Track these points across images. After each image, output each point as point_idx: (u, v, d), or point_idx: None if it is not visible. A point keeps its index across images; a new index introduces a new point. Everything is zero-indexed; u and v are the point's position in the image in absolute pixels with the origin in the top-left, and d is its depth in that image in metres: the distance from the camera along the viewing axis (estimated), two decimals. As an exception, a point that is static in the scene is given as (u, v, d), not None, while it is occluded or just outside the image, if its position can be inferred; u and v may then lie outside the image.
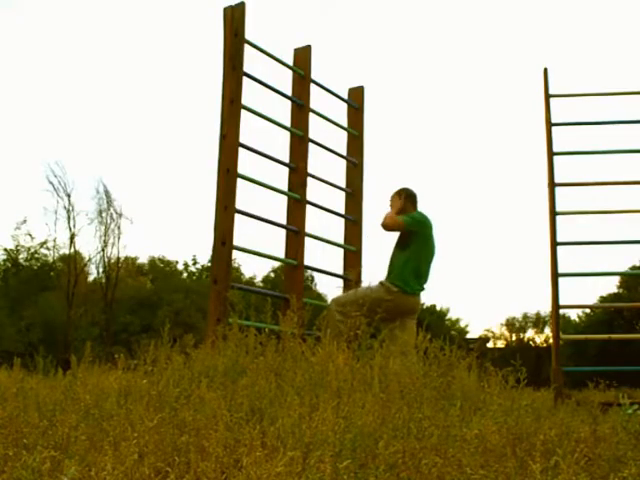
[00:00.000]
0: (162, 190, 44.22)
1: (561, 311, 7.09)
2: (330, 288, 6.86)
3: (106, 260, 29.85)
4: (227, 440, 2.38)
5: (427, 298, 36.46)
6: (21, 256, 29.04)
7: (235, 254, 5.30)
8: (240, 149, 5.28)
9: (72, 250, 28.89)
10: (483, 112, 49.92)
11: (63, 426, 2.62)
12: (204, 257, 33.71)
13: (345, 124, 6.82)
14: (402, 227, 5.61)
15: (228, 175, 5.16)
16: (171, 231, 45.21)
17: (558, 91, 7.25)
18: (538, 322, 37.17)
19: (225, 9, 5.43)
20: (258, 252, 5.49)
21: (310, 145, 6.04)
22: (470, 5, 48.07)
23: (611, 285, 31.37)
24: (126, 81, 43.82)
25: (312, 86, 6.19)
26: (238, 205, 5.18)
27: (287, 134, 6.01)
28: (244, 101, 5.37)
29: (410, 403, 3.15)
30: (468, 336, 36.33)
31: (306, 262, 5.87)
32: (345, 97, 6.87)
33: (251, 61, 5.51)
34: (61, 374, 4.32)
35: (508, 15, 48.03)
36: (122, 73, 43.19)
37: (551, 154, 7.07)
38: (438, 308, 36.70)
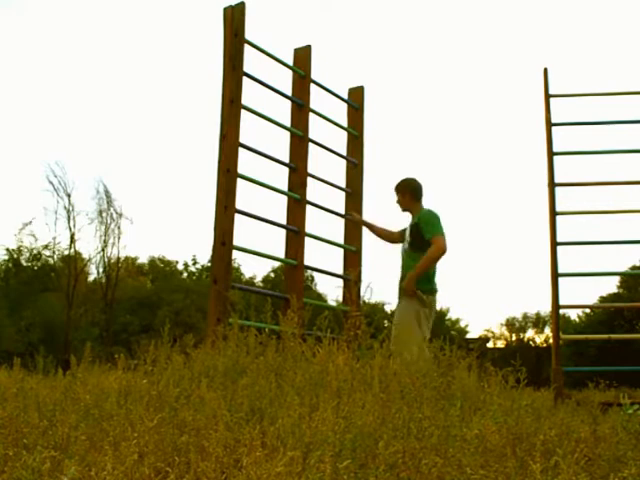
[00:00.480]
0: (162, 190, 44.27)
1: (561, 311, 7.09)
2: (330, 288, 6.86)
3: (106, 260, 29.88)
4: (227, 440, 2.38)
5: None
6: (23, 257, 29.04)
7: (235, 254, 5.30)
8: (240, 149, 5.28)
9: (72, 250, 28.91)
10: (483, 112, 49.94)
11: (63, 426, 2.62)
12: (204, 257, 33.74)
13: (345, 124, 6.82)
14: (444, 245, 5.46)
15: (228, 175, 5.16)
16: (171, 231, 45.26)
17: (558, 91, 7.25)
18: (538, 322, 37.18)
19: (225, 9, 5.43)
20: (258, 252, 5.49)
21: (310, 145, 6.04)
22: (470, 5, 48.08)
23: (611, 285, 31.41)
24: (126, 81, 43.86)
25: (312, 86, 6.19)
26: (238, 205, 5.18)
27: (287, 134, 6.02)
28: (244, 101, 5.37)
29: (410, 403, 3.15)
30: (468, 336, 36.35)
31: (306, 262, 5.87)
32: (345, 97, 6.87)
33: (251, 61, 5.52)
34: (61, 374, 4.32)
35: (508, 15, 48.05)
36: (122, 73, 43.23)
37: (551, 154, 7.06)
38: (438, 308, 36.70)
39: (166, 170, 46.06)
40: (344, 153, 6.74)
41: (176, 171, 47.14)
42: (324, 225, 6.43)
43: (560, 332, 6.85)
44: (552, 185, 7.00)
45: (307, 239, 5.91)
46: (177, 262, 35.19)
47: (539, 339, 36.05)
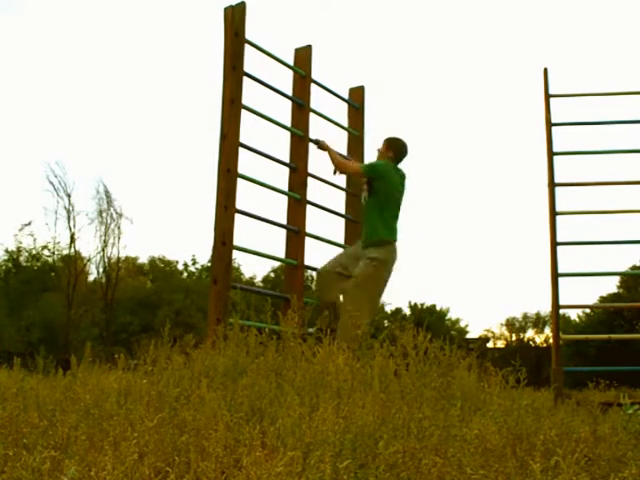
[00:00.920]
0: (162, 190, 44.27)
1: (561, 311, 7.08)
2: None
3: (106, 260, 29.88)
4: (227, 440, 2.38)
5: (427, 298, 36.49)
6: (22, 257, 29.03)
7: (235, 254, 5.30)
8: (240, 149, 5.28)
9: (72, 250, 28.91)
10: (483, 112, 49.94)
11: (63, 426, 2.62)
12: (204, 257, 33.74)
13: (345, 124, 6.81)
14: (359, 173, 5.75)
15: (228, 175, 5.16)
16: (171, 231, 45.26)
17: (558, 91, 7.25)
18: (538, 322, 37.20)
19: (226, 9, 5.43)
20: (258, 252, 5.49)
21: (310, 145, 6.04)
22: (470, 5, 48.09)
23: (611, 285, 31.42)
24: (126, 81, 43.86)
25: (313, 86, 6.19)
26: (238, 205, 5.18)
27: (288, 134, 6.01)
28: (244, 101, 5.37)
29: (410, 403, 3.15)
30: (468, 336, 36.36)
31: (306, 262, 5.87)
32: (346, 97, 6.87)
33: (252, 61, 5.52)
34: (61, 374, 4.32)
35: (508, 15, 48.05)
36: (122, 73, 43.23)
37: (551, 154, 7.06)
38: (438, 308, 36.71)
39: (166, 170, 46.08)
40: (344, 153, 6.74)
41: (176, 171, 47.17)
42: (324, 225, 6.42)
43: (560, 332, 6.85)
44: (552, 185, 7.00)
45: (307, 239, 5.91)
46: (177, 262, 35.19)
47: (539, 339, 36.08)
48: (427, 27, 48.07)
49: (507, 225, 48.49)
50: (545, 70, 7.20)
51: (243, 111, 5.35)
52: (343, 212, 6.60)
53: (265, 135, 5.99)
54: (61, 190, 28.94)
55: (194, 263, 34.41)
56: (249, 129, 5.45)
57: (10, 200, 39.79)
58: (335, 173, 5.97)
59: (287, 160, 5.95)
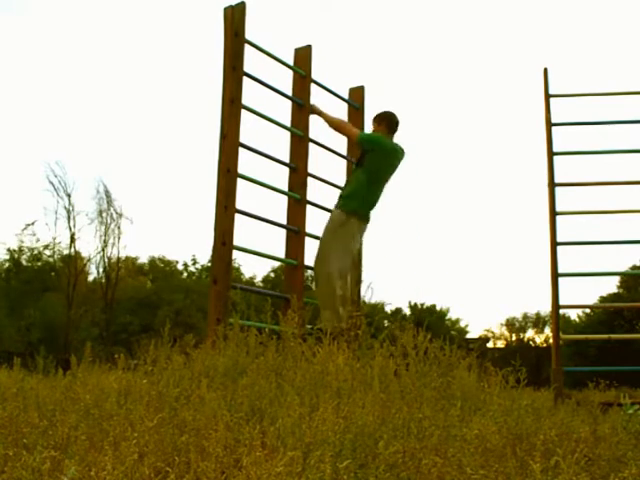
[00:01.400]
0: (162, 190, 44.25)
1: (561, 311, 7.08)
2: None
3: (106, 260, 29.86)
4: (227, 440, 2.38)
5: (427, 298, 36.50)
6: (23, 257, 29.03)
7: (235, 254, 5.30)
8: (240, 149, 5.28)
9: (72, 250, 28.90)
10: (483, 112, 49.94)
11: (63, 426, 2.62)
12: (204, 257, 33.73)
13: (345, 124, 6.80)
14: (355, 139, 5.79)
15: (228, 175, 5.16)
16: (171, 231, 45.24)
17: (558, 91, 7.25)
18: (538, 322, 37.19)
19: (225, 9, 5.42)
20: (258, 252, 5.49)
21: (310, 145, 6.04)
22: (470, 5, 48.09)
23: (611, 285, 31.42)
24: (126, 81, 43.85)
25: (313, 86, 6.19)
26: (238, 205, 5.18)
27: (287, 134, 6.01)
28: (244, 101, 5.36)
29: (410, 403, 3.15)
30: (468, 336, 36.36)
31: (306, 262, 5.87)
32: (346, 97, 6.87)
33: (251, 61, 5.51)
34: (61, 374, 4.32)
35: (508, 15, 48.06)
36: (123, 73, 43.22)
37: (551, 154, 7.06)
38: (438, 308, 36.72)
39: (166, 170, 46.07)
40: (344, 153, 6.74)
41: (176, 171, 47.15)
42: (324, 225, 6.41)
43: (560, 332, 6.85)
44: (552, 185, 7.00)
45: (307, 239, 5.91)
46: (177, 262, 35.18)
47: (539, 339, 36.07)
48: (427, 27, 48.09)
49: (507, 225, 48.51)
50: (545, 70, 7.20)
51: (243, 111, 5.35)
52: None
53: (265, 135, 5.99)
54: (61, 190, 28.94)
55: (194, 263, 34.42)
56: (249, 129, 5.46)
57: (10, 200, 39.80)
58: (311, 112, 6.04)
59: (287, 160, 5.95)
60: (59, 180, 28.93)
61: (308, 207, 5.93)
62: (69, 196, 28.90)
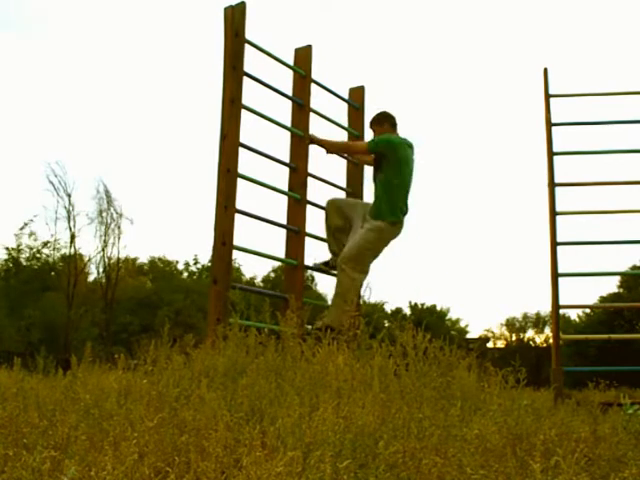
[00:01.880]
0: (162, 190, 44.27)
1: (561, 311, 7.08)
2: (330, 288, 6.87)
3: (106, 260, 29.86)
4: (227, 440, 2.38)
5: (427, 298, 36.48)
6: (23, 256, 29.01)
7: (235, 254, 5.30)
8: (240, 149, 5.28)
9: (72, 250, 28.89)
10: (483, 112, 49.95)
11: (63, 426, 2.62)
12: (205, 257, 33.74)
13: (346, 124, 6.81)
14: (366, 149, 5.88)
15: (228, 175, 5.16)
16: (171, 231, 45.25)
17: (558, 91, 7.25)
18: (538, 322, 37.18)
19: (226, 9, 5.42)
20: (258, 252, 5.48)
21: (311, 145, 6.04)
22: (470, 5, 48.08)
23: (611, 285, 31.41)
24: (127, 81, 43.86)
25: (313, 86, 6.18)
26: (238, 205, 5.18)
27: (288, 134, 6.01)
28: (245, 101, 5.36)
29: (410, 403, 3.15)
30: (468, 336, 36.36)
31: (306, 262, 5.87)
32: (346, 97, 6.87)
33: (252, 61, 5.51)
34: (61, 374, 4.32)
35: (508, 15, 48.05)
36: (123, 73, 43.23)
37: (551, 154, 7.06)
38: (438, 308, 36.72)
39: (166, 170, 46.08)
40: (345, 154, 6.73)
41: (176, 171, 47.16)
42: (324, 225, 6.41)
43: (560, 332, 6.85)
44: (552, 185, 7.00)
45: (307, 239, 5.91)
46: (177, 262, 35.19)
47: (539, 339, 36.06)
48: (427, 27, 48.10)
49: (507, 225, 48.51)
50: (545, 70, 7.20)
51: (243, 111, 5.35)
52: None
53: (265, 135, 5.99)
54: (61, 190, 28.94)
55: (195, 263, 34.44)
56: (249, 129, 5.45)
57: (10, 200, 39.79)
58: (327, 152, 6.10)
59: (287, 160, 5.95)
60: (59, 180, 28.94)
61: (308, 207, 5.93)
62: (69, 196, 28.91)
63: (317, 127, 6.19)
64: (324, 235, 6.19)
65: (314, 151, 6.06)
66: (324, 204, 6.15)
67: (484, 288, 45.15)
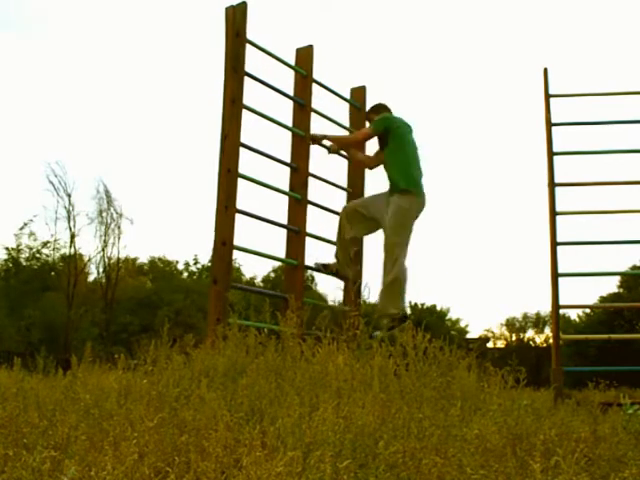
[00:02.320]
0: (162, 190, 44.24)
1: (561, 311, 7.08)
2: (330, 288, 6.89)
3: (106, 260, 29.86)
4: (227, 440, 2.38)
5: (427, 298, 36.48)
6: (22, 256, 29.01)
7: (235, 254, 5.30)
8: (241, 149, 5.28)
9: (72, 250, 28.89)
10: (483, 112, 49.94)
11: (63, 426, 2.62)
12: (205, 257, 33.73)
13: (347, 124, 6.81)
14: (370, 133, 6.08)
15: (229, 175, 5.16)
16: (171, 231, 45.21)
17: (558, 91, 7.25)
18: (538, 322, 37.16)
19: (227, 9, 5.42)
20: (258, 252, 5.48)
21: (313, 145, 6.04)
22: (470, 5, 48.09)
23: (611, 285, 31.38)
24: (127, 81, 43.85)
25: (314, 86, 6.18)
26: (239, 205, 5.18)
27: (289, 134, 6.01)
28: (245, 101, 5.36)
29: (410, 403, 3.15)
30: (468, 336, 36.34)
31: (306, 262, 5.87)
32: (347, 97, 6.87)
33: (253, 61, 5.51)
34: (61, 374, 4.32)
35: (508, 15, 48.05)
36: (123, 73, 43.21)
37: (551, 154, 7.06)
38: (438, 308, 36.71)
39: (166, 170, 46.06)
40: (344, 153, 6.73)
41: (177, 171, 47.13)
42: (325, 225, 6.42)
43: (560, 332, 6.85)
44: (552, 185, 7.00)
45: (308, 239, 5.91)
46: (177, 262, 35.18)
47: (539, 339, 36.04)
48: (428, 27, 48.09)
49: (507, 225, 48.44)
50: (545, 70, 7.20)
51: (244, 111, 5.35)
52: (343, 212, 6.59)
53: (266, 135, 5.99)
54: (61, 190, 28.92)
55: (195, 263, 34.43)
56: (250, 129, 5.45)
57: (10, 200, 39.78)
58: (330, 152, 6.21)
59: (288, 160, 5.95)
60: (59, 180, 28.92)
61: (309, 207, 5.93)
62: (69, 196, 28.90)
63: (318, 127, 6.20)
64: (327, 237, 6.21)
65: (315, 151, 6.07)
66: (326, 205, 6.17)
67: (484, 288, 45.10)
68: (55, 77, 43.01)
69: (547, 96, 7.14)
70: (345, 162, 6.75)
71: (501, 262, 47.99)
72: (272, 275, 32.71)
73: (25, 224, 28.63)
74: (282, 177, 5.93)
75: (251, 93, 5.46)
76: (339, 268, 6.05)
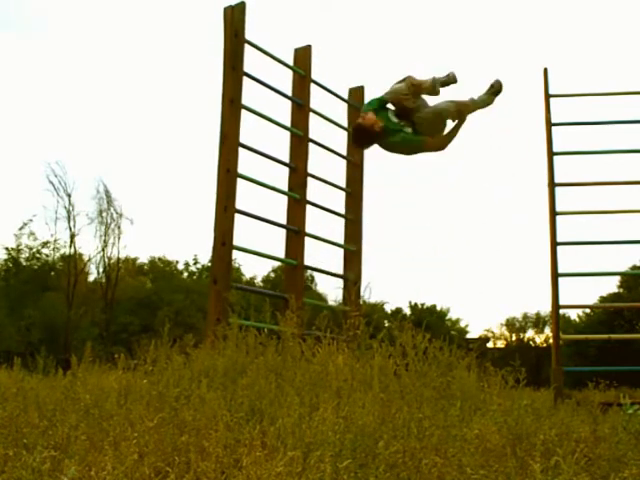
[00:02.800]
0: (162, 190, 44.20)
1: (561, 311, 7.09)
2: (330, 288, 6.89)
3: (106, 260, 29.84)
4: (227, 440, 2.38)
5: (427, 298, 36.49)
6: (22, 256, 29.00)
7: (235, 254, 5.30)
8: (240, 149, 5.28)
9: (72, 250, 28.89)
10: (483, 112, 49.85)
11: (63, 426, 2.62)
12: (205, 257, 33.72)
13: (345, 124, 6.81)
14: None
15: (228, 175, 5.16)
16: (171, 231, 45.17)
17: (558, 91, 7.25)
18: (538, 322, 37.15)
19: (225, 9, 5.42)
20: (258, 252, 5.49)
21: (310, 145, 6.04)
22: (470, 5, 48.10)
23: (611, 285, 31.35)
24: (126, 81, 43.82)
25: (312, 86, 6.19)
26: (238, 205, 5.18)
27: (287, 134, 6.01)
28: (244, 101, 5.36)
29: (410, 403, 3.15)
30: (468, 336, 36.32)
31: (306, 262, 5.87)
32: (345, 97, 6.87)
33: (251, 61, 5.52)
34: (61, 374, 4.32)
35: (508, 15, 48.05)
36: (122, 73, 43.18)
37: (551, 154, 7.06)
38: (438, 308, 36.71)
39: (166, 170, 46.00)
40: (344, 153, 6.74)
41: (176, 171, 47.08)
42: (324, 225, 6.43)
43: (560, 332, 6.85)
44: (552, 185, 7.00)
45: (307, 239, 5.91)
46: (177, 262, 35.17)
47: (539, 339, 36.02)
48: (427, 27, 48.07)
49: (507, 225, 48.43)
50: (545, 70, 7.20)
51: (243, 111, 5.35)
52: (343, 212, 6.60)
53: (265, 135, 5.99)
54: (61, 190, 28.89)
55: (195, 263, 34.42)
56: (249, 129, 5.46)
57: (10, 200, 39.78)
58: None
59: (287, 160, 5.95)
60: (59, 180, 28.89)
61: (308, 207, 5.93)
62: (69, 196, 28.86)
63: (317, 127, 6.21)
64: (327, 237, 6.12)
65: (314, 151, 6.07)
66: (325, 205, 6.15)
67: (484, 288, 45.10)
68: (55, 77, 43.01)
69: (547, 96, 7.14)
70: (344, 162, 6.76)
71: (501, 262, 47.98)
72: (272, 275, 32.71)
73: (25, 224, 28.63)
74: (281, 177, 5.94)
75: (250, 93, 5.47)
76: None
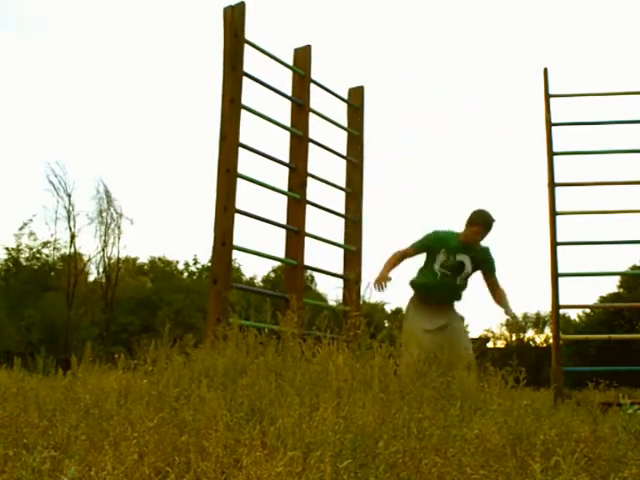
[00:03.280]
0: (162, 190, 44.25)
1: (561, 311, 7.08)
2: (330, 288, 6.90)
3: (106, 260, 29.87)
4: (227, 440, 2.38)
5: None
6: (22, 256, 29.00)
7: (235, 254, 5.30)
8: (240, 149, 5.28)
9: (72, 250, 28.89)
10: (483, 112, 49.94)
11: (63, 426, 2.62)
12: (205, 257, 33.73)
13: (345, 124, 6.82)
14: None
15: (228, 175, 5.16)
16: (171, 231, 45.23)
17: (558, 91, 7.25)
18: (538, 322, 37.18)
19: (225, 9, 5.43)
20: (258, 252, 5.49)
21: (310, 145, 6.04)
22: (470, 5, 48.10)
23: (611, 285, 31.37)
24: (126, 81, 43.86)
25: (312, 86, 6.19)
26: (238, 205, 5.18)
27: (287, 134, 6.01)
28: (244, 101, 5.37)
29: (410, 403, 3.15)
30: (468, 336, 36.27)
31: (306, 262, 5.87)
32: (345, 97, 6.87)
33: (251, 61, 5.52)
34: (61, 374, 4.32)
35: (508, 15, 48.06)
36: (122, 73, 43.22)
37: (551, 154, 7.06)
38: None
39: (166, 170, 46.07)
40: (344, 153, 6.74)
41: (176, 171, 47.15)
42: (324, 225, 6.43)
43: (560, 332, 6.85)
44: (552, 185, 7.00)
45: (307, 239, 5.91)
46: (177, 262, 35.19)
47: (539, 339, 36.04)
48: (427, 27, 48.11)
49: (507, 225, 48.39)
50: (545, 70, 7.20)
51: (243, 111, 5.35)
52: (343, 212, 6.60)
53: (265, 135, 5.99)
54: (61, 190, 28.93)
55: (195, 263, 34.43)
56: (249, 129, 5.46)
57: (10, 200, 39.78)
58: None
59: (287, 160, 5.95)
60: (59, 180, 28.93)
61: (308, 207, 5.94)
62: (69, 196, 28.90)
63: (316, 127, 6.21)
64: (327, 237, 6.09)
65: (313, 151, 6.07)
66: (325, 205, 6.13)
67: (484, 288, 45.05)
68: (55, 77, 43.03)
69: (547, 96, 7.14)
70: (343, 162, 6.76)
71: (501, 262, 47.89)
72: (272, 275, 32.71)
73: (25, 224, 28.64)
74: (281, 177, 5.94)
75: (250, 93, 5.47)
76: None
